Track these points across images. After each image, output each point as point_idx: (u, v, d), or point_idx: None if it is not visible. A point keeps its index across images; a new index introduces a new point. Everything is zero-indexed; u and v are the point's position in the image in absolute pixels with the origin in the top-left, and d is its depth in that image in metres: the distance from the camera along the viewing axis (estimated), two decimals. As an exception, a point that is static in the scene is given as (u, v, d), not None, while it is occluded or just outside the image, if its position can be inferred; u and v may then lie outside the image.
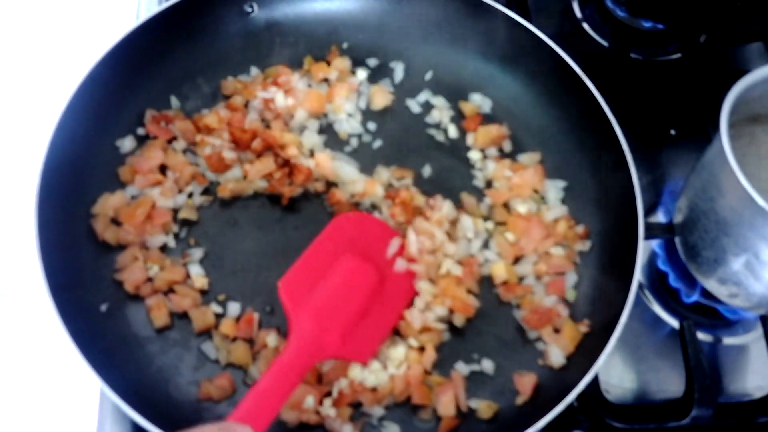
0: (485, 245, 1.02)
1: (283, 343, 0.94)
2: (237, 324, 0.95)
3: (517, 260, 1.02)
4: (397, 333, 0.96)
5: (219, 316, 0.96)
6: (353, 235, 0.98)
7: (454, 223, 1.02)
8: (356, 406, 0.92)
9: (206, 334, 0.96)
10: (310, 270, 0.94)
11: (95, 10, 1.20)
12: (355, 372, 0.92)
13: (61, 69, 1.12)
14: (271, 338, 0.94)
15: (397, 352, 0.94)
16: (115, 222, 0.99)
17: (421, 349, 0.95)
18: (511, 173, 1.06)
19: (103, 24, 1.18)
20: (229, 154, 1.03)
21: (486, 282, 1.01)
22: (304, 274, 0.93)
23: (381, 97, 1.11)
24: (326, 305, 0.91)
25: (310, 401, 0.90)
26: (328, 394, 0.92)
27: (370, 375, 0.92)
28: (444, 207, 1.03)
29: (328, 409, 0.90)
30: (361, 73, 1.13)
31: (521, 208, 1.03)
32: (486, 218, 1.04)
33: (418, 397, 0.92)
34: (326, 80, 1.12)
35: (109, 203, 0.99)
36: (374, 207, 1.04)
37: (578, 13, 1.30)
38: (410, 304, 0.97)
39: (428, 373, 0.95)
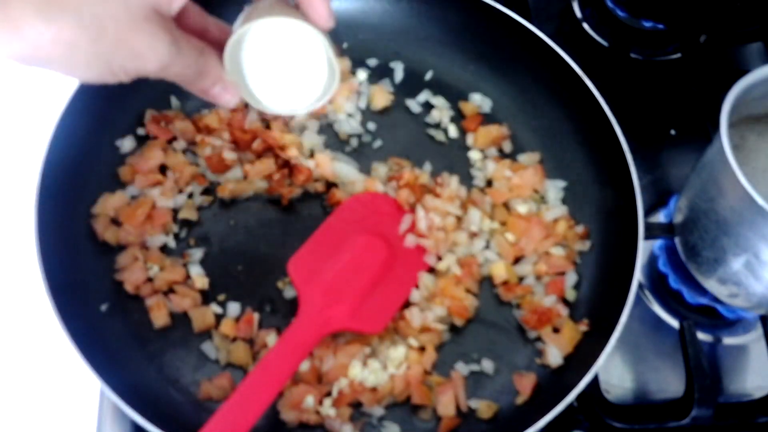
0: (486, 246, 1.02)
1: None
2: (237, 324, 0.95)
3: (517, 260, 1.02)
4: (397, 333, 0.96)
5: (219, 316, 0.96)
6: (364, 213, 1.00)
7: (464, 205, 1.03)
8: (356, 406, 0.92)
9: (206, 334, 0.96)
10: (320, 249, 0.96)
11: (95, 10, 1.20)
12: (355, 372, 0.92)
13: (61, 69, 1.12)
14: (271, 338, 0.94)
15: (397, 352, 0.94)
16: (115, 222, 0.99)
17: (421, 349, 0.95)
18: (511, 173, 1.06)
19: (103, 24, 1.18)
20: (229, 155, 1.03)
21: (486, 282, 1.01)
22: (314, 253, 0.95)
23: (381, 97, 1.11)
24: (334, 280, 0.94)
25: (310, 401, 0.90)
26: (328, 394, 0.92)
27: (370, 375, 0.92)
28: (452, 182, 1.04)
29: (328, 409, 0.90)
30: (361, 74, 1.13)
31: (521, 208, 1.03)
32: (489, 218, 1.04)
33: (418, 397, 0.92)
34: (326, 80, 1.12)
35: (109, 203, 0.99)
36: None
37: (578, 13, 1.30)
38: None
39: (428, 373, 0.95)
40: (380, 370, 0.93)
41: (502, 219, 1.03)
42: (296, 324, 0.90)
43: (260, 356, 0.94)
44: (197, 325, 0.95)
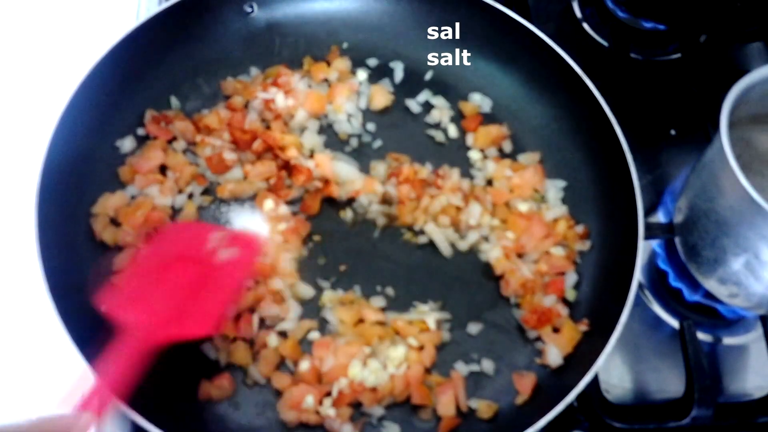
0: (486, 239, 1.02)
1: (284, 343, 0.95)
2: (237, 324, 0.95)
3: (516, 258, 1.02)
4: (396, 333, 0.96)
5: (219, 316, 0.96)
6: (172, 244, 0.96)
7: (465, 200, 1.03)
8: (356, 406, 0.92)
9: (206, 334, 0.95)
10: (133, 280, 0.92)
11: (95, 10, 1.21)
12: (355, 372, 0.92)
13: (61, 69, 1.12)
14: (271, 338, 0.94)
15: (397, 352, 0.94)
16: (115, 222, 0.99)
17: (421, 348, 0.96)
18: (511, 173, 1.06)
19: (103, 24, 1.18)
20: (229, 155, 1.03)
21: (486, 281, 1.01)
22: (126, 285, 0.91)
23: (381, 97, 1.11)
24: (143, 299, 0.89)
25: (310, 401, 0.90)
26: (328, 394, 0.92)
27: (370, 375, 0.92)
28: (453, 174, 1.04)
29: (328, 409, 0.90)
30: (361, 74, 1.13)
31: (521, 207, 1.03)
32: (490, 215, 1.04)
33: (418, 397, 0.92)
34: (326, 80, 1.12)
35: (109, 203, 0.99)
36: (386, 201, 1.04)
37: (578, 13, 1.30)
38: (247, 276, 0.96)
39: (428, 373, 0.95)
40: (380, 370, 0.93)
41: (502, 218, 1.03)
42: (116, 346, 0.82)
43: (260, 356, 0.94)
44: (197, 325, 0.95)
